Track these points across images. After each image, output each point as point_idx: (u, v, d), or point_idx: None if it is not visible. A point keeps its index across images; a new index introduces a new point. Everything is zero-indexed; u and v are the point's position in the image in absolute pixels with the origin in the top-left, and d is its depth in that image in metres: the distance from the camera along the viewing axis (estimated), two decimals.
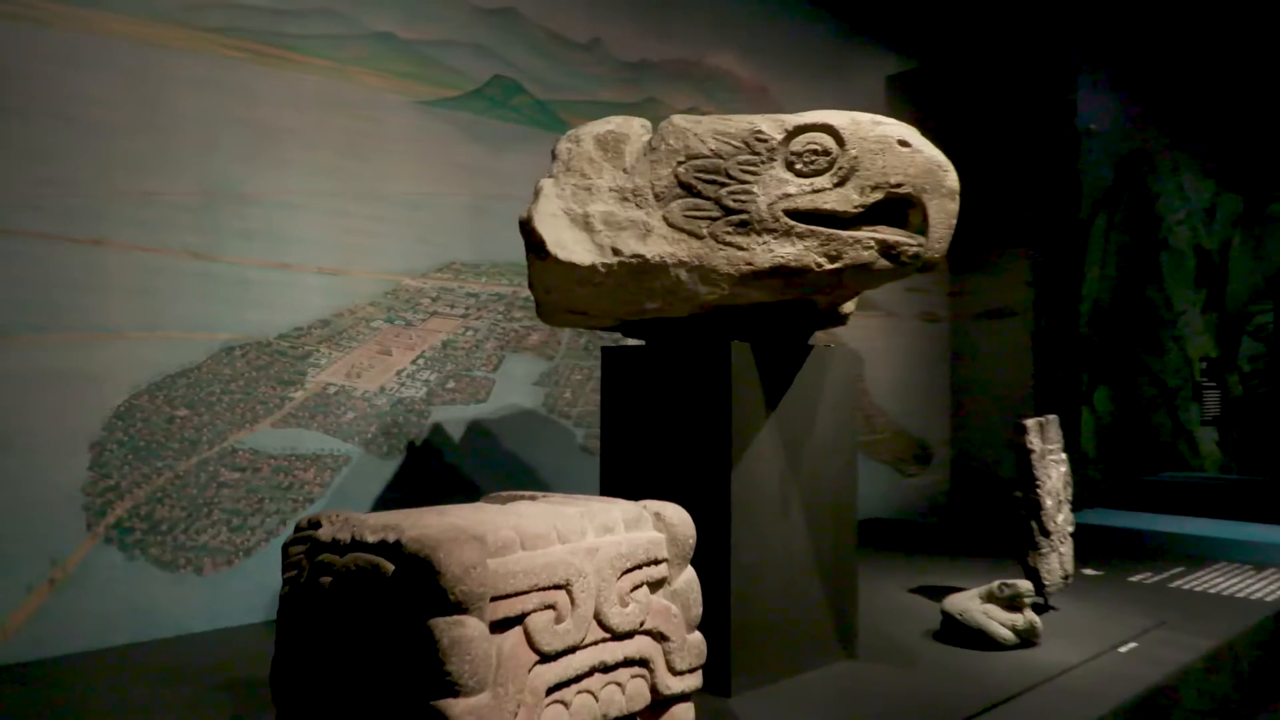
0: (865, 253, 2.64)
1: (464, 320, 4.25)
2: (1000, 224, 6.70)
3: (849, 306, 3.25)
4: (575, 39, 4.75)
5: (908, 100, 6.63)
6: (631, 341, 3.52)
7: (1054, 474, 3.69)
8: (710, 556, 2.51)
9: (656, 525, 2.15)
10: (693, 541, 2.17)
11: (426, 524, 1.77)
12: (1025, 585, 3.20)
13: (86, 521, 3.21)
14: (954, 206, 2.62)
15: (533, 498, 2.25)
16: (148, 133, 3.37)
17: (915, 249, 2.64)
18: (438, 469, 4.11)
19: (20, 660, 3.02)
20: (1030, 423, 3.68)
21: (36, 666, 3.01)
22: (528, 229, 2.77)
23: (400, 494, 3.95)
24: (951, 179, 2.63)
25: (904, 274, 2.73)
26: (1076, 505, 3.92)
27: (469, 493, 4.13)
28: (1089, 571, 4.52)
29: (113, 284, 3.28)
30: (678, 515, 2.18)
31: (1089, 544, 4.75)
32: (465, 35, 4.27)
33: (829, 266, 2.65)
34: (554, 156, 2.92)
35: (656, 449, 3.00)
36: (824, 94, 5.99)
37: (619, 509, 2.12)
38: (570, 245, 2.77)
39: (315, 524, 1.97)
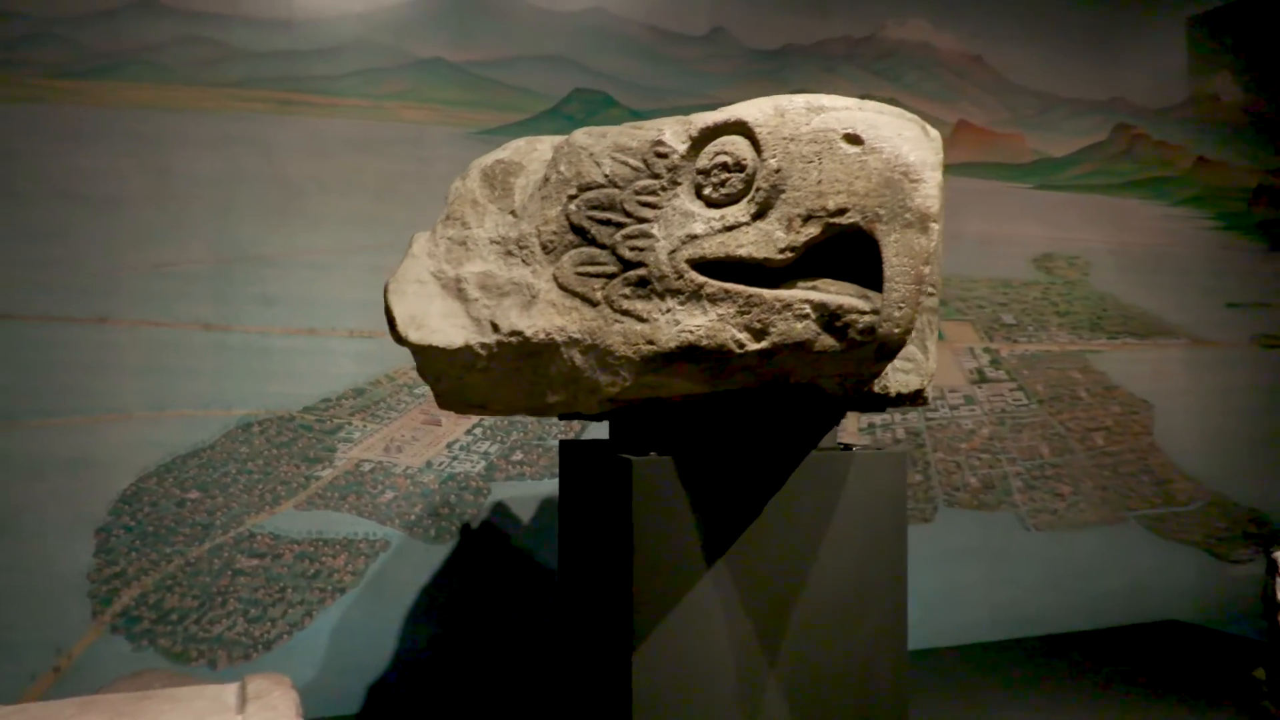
0: (798, 325, 1.63)
1: None
2: None
3: (912, 380, 2.16)
4: (687, 31, 3.93)
5: (1218, 44, 4.82)
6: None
7: None
8: None
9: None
10: None
11: None
12: None
13: (92, 609, 3.11)
14: (927, 242, 1.53)
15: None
16: (157, 201, 3.20)
17: (867, 318, 1.58)
18: (501, 555, 3.56)
19: None
20: None
21: None
22: (385, 301, 2.12)
23: (451, 581, 3.46)
24: (923, 194, 1.53)
25: (868, 357, 1.66)
26: None
27: (542, 580, 3.54)
28: None
29: (120, 363, 3.16)
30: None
31: None
32: (534, 47, 3.66)
33: (753, 346, 1.68)
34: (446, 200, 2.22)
35: (587, 591, 2.19)
36: (1081, 57, 4.52)
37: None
38: (434, 322, 2.06)
39: None
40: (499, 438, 3.58)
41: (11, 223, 3.05)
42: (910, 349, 2.17)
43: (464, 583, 3.48)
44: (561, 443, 2.51)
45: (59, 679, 3.06)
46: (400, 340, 2.06)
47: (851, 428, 4.07)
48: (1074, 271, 4.60)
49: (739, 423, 2.05)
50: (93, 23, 3.15)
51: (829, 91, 4.02)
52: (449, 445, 3.52)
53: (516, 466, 3.60)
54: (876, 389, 2.10)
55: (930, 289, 2.20)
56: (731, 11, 3.99)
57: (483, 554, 3.53)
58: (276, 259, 3.33)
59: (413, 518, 3.45)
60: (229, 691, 1.71)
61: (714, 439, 2.01)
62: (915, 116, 1.77)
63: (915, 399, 2.23)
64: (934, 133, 1.74)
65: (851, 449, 2.12)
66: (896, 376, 2.14)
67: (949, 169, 4.17)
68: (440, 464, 3.51)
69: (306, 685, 3.30)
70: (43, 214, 3.08)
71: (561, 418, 2.39)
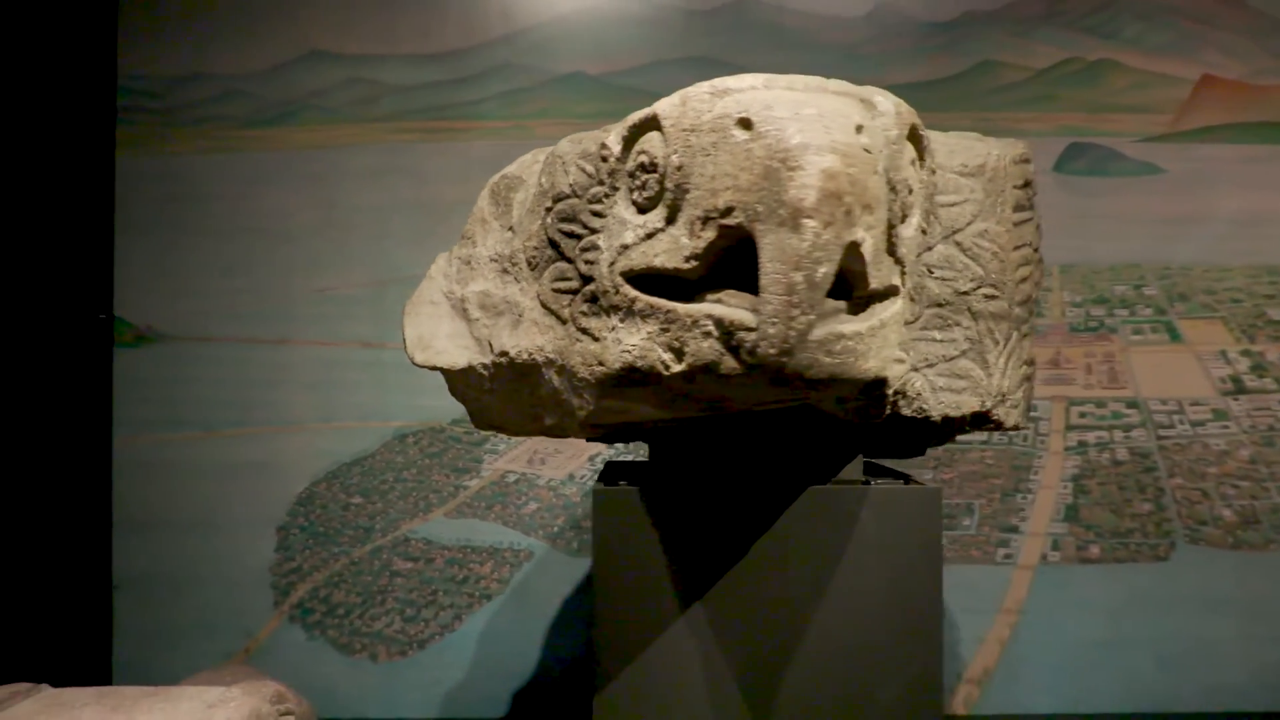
0: (704, 344, 1.41)
1: None
2: None
3: (966, 401, 1.80)
4: (845, 13, 3.59)
5: None
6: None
7: None
8: None
9: None
10: None
11: None
12: None
13: (274, 600, 3.48)
14: (799, 242, 1.24)
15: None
16: (325, 232, 3.52)
17: (753, 336, 1.32)
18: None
19: None
20: None
21: None
22: (402, 323, 2.15)
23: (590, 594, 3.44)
24: (799, 184, 1.25)
25: (764, 384, 1.39)
26: None
27: None
28: None
29: (295, 379, 3.51)
30: None
31: None
32: (676, 50, 3.55)
33: (676, 368, 1.47)
34: None
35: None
36: None
37: None
38: (440, 343, 2.06)
39: None
40: (642, 450, 3.51)
41: (208, 258, 3.50)
42: (963, 363, 1.81)
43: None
44: (606, 463, 2.40)
45: (248, 659, 3.46)
46: (412, 362, 2.08)
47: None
48: None
49: (732, 451, 1.82)
50: (270, 76, 3.53)
51: (1022, 61, 3.55)
52: (591, 459, 3.51)
53: None
54: (908, 413, 1.76)
55: (991, 289, 1.82)
56: None
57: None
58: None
59: (555, 529, 3.49)
60: (214, 694, 1.81)
61: (692, 469, 1.81)
62: (866, 89, 1.46)
63: (978, 424, 1.85)
64: (886, 107, 1.42)
65: (870, 483, 1.80)
66: (941, 397, 1.78)
67: (1182, 136, 3.49)
68: (583, 477, 3.51)
69: (456, 686, 3.46)
70: (233, 249, 3.50)
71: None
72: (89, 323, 3.44)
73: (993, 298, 1.81)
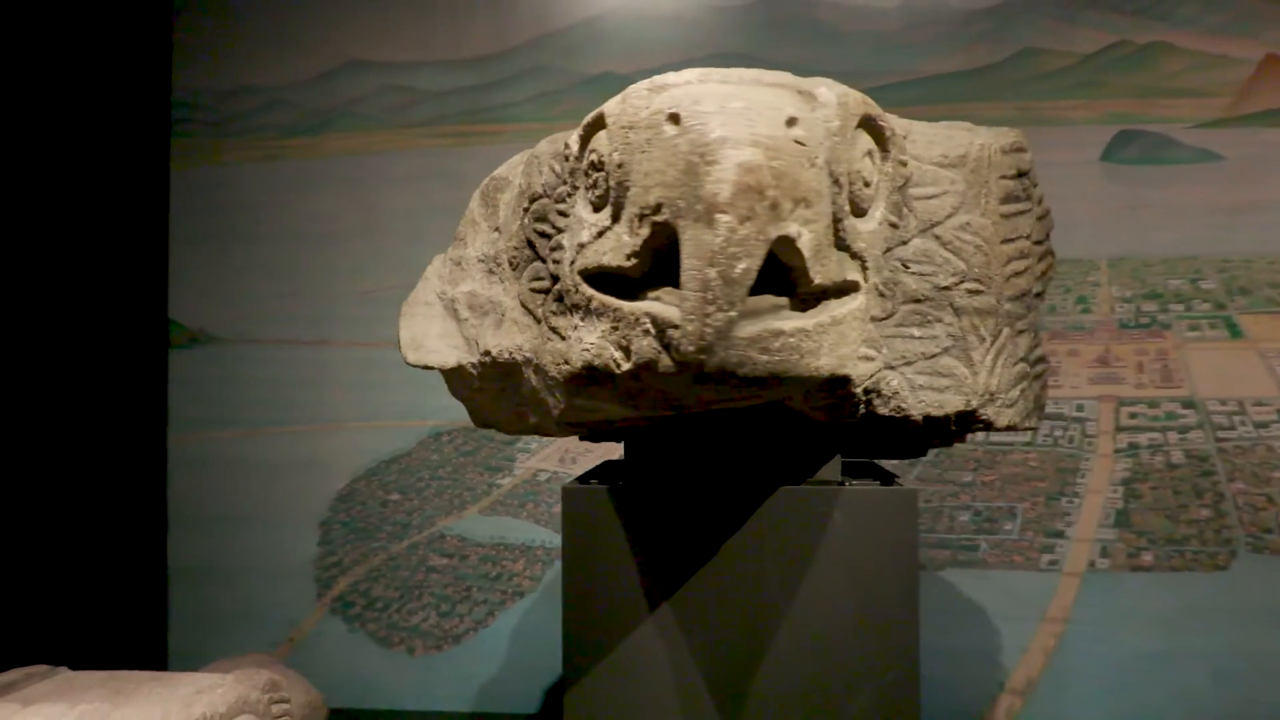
0: (644, 341, 1.39)
1: None
2: None
3: (950, 400, 1.74)
4: (879, 2, 3.51)
5: None
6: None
7: None
8: None
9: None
10: None
11: None
12: None
13: (317, 592, 3.60)
14: (714, 239, 1.22)
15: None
16: (363, 236, 3.62)
17: (677, 335, 1.30)
18: None
19: None
20: None
21: None
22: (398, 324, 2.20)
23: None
24: (715, 178, 1.22)
25: (689, 383, 1.37)
26: None
27: None
28: None
29: (335, 379, 3.62)
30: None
31: None
32: (707, 47, 3.52)
33: (625, 366, 1.46)
34: None
35: None
36: None
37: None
38: (431, 343, 2.10)
39: None
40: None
41: (254, 262, 3.64)
42: (945, 361, 1.74)
43: None
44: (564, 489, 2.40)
45: (293, 649, 3.58)
46: (405, 362, 2.12)
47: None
48: None
49: (706, 450, 1.80)
50: (312, 86, 3.66)
51: (1065, 47, 3.42)
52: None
53: None
54: (885, 412, 1.71)
55: (975, 284, 1.75)
56: None
57: None
58: None
59: None
60: (207, 680, 1.89)
61: (664, 468, 1.80)
62: (810, 80, 1.43)
63: (966, 423, 1.79)
64: (828, 98, 1.38)
65: (844, 484, 1.76)
66: (921, 395, 1.72)
67: (1243, 120, 3.29)
68: None
69: (489, 681, 3.51)
70: (277, 254, 3.64)
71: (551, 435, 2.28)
72: (147, 326, 3.62)
73: (977, 293, 1.74)
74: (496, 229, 2.02)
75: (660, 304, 1.36)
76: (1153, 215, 3.37)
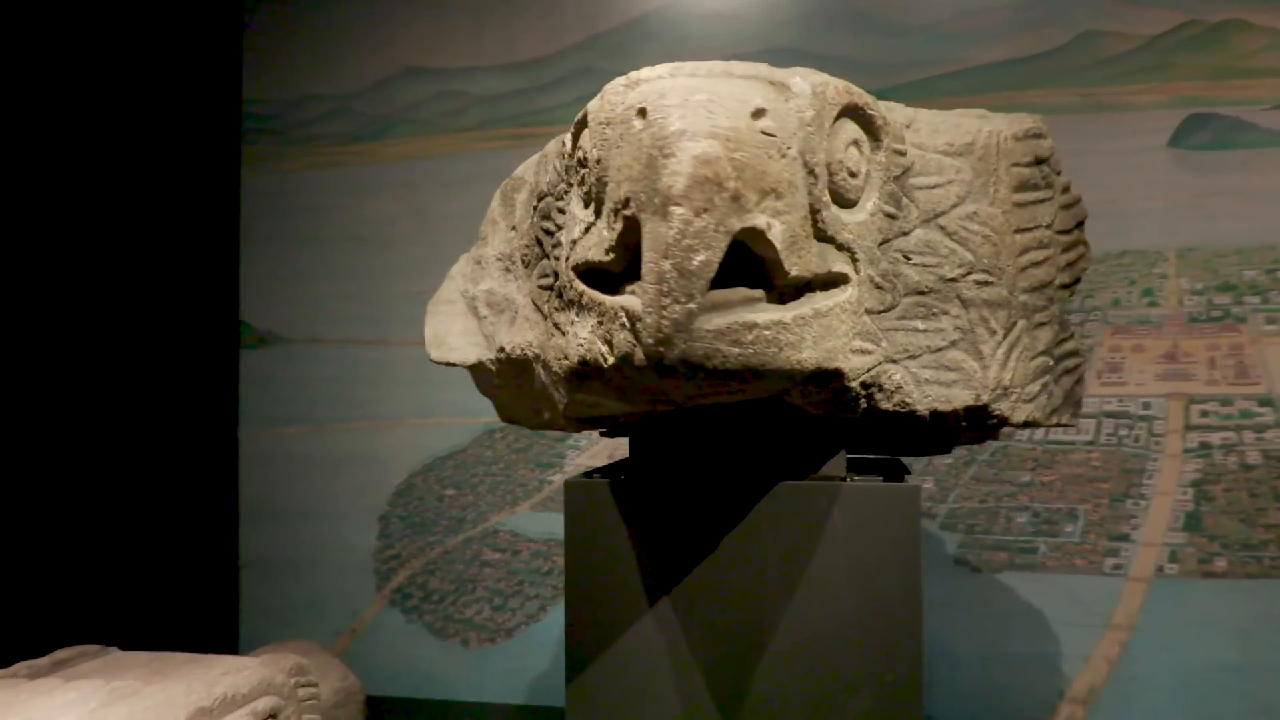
0: (622, 335, 1.40)
1: None
2: None
3: (958, 395, 1.69)
4: None
5: None
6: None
7: None
8: None
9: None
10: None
11: None
12: None
13: (376, 584, 3.72)
14: (668, 231, 1.22)
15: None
16: (420, 238, 3.72)
17: (640, 330, 1.31)
18: None
19: None
20: None
21: None
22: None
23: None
24: (671, 171, 1.23)
25: (652, 380, 1.37)
26: None
27: None
28: None
29: (394, 377, 3.73)
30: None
31: None
32: (755, 42, 3.48)
33: (611, 360, 1.48)
34: None
35: None
36: None
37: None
38: (453, 340, 2.15)
39: None
40: None
41: (318, 265, 3.79)
42: (953, 354, 1.70)
43: None
44: (567, 483, 2.41)
45: (355, 638, 3.71)
46: (429, 358, 2.18)
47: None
48: None
49: (710, 446, 1.80)
50: (371, 93, 3.78)
51: (1130, 29, 3.30)
52: None
53: None
54: (888, 407, 1.67)
55: (984, 275, 1.70)
56: None
57: None
58: None
59: None
60: (236, 663, 1.98)
61: (667, 462, 1.80)
62: (785, 71, 1.41)
63: (977, 418, 1.73)
64: (802, 88, 1.37)
65: (846, 480, 1.73)
66: (927, 390, 1.68)
67: None
68: None
69: (540, 675, 3.57)
70: (339, 256, 3.77)
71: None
72: (219, 328, 3.81)
73: (986, 284, 1.69)
74: (513, 228, 2.06)
75: (634, 298, 1.37)
76: (1225, 203, 3.20)
